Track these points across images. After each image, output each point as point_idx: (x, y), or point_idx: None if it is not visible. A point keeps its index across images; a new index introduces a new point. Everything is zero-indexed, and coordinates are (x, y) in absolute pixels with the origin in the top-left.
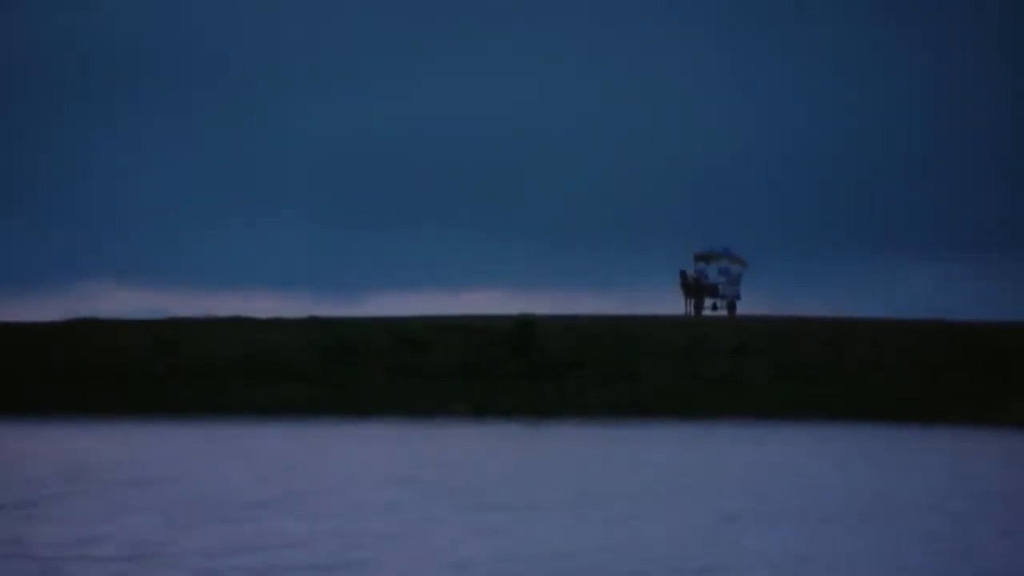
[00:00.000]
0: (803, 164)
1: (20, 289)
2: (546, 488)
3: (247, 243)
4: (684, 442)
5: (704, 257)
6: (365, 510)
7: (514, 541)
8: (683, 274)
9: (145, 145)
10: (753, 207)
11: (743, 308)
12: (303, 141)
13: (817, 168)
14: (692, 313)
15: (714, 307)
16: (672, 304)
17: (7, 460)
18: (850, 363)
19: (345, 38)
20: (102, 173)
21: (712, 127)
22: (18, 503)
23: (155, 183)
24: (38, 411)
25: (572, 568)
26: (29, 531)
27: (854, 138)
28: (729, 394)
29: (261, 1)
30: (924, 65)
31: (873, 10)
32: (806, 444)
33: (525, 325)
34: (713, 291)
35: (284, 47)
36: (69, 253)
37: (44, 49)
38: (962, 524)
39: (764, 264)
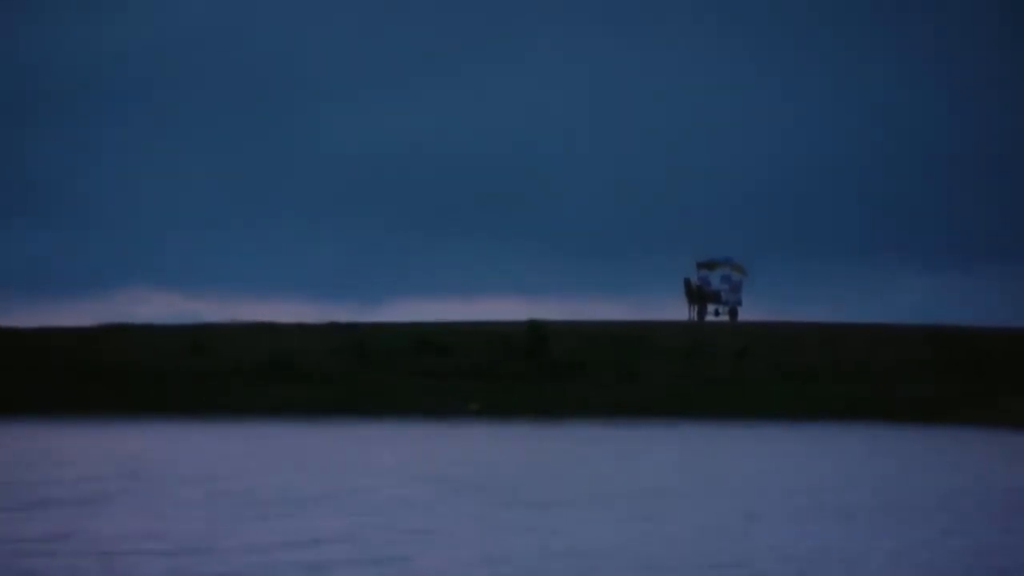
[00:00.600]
0: (802, 177)
1: (61, 295)
2: (569, 485)
3: (274, 252)
4: (694, 441)
5: (707, 265)
6: (402, 507)
7: (547, 537)
8: (687, 281)
9: (180, 158)
10: (754, 217)
11: (744, 313)
12: (329, 154)
13: (815, 181)
14: (695, 318)
15: (716, 313)
16: (676, 310)
17: (58, 458)
18: (846, 365)
19: (367, 53)
20: (139, 185)
21: (715, 141)
22: (76, 499)
23: (189, 195)
24: (76, 411)
25: (604, 563)
26: (88, 526)
27: (850, 153)
28: (730, 395)
29: (288, 18)
30: (919, 78)
31: (868, 21)
32: (810, 443)
33: (536, 329)
34: (715, 297)
35: (310, 61)
36: (108, 261)
37: (84, 64)
38: (974, 521)
39: (764, 272)
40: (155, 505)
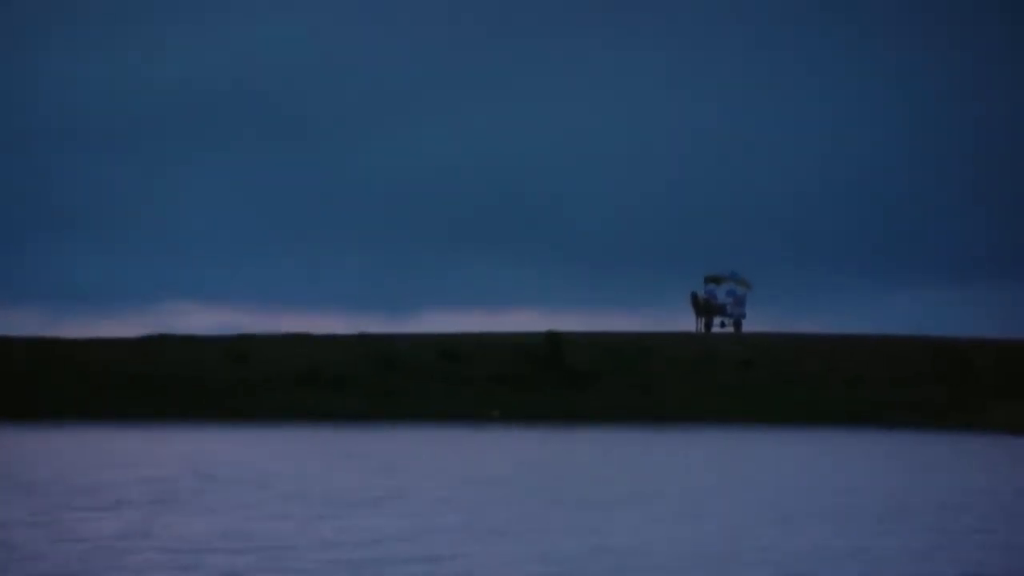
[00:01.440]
0: (805, 196)
1: (111, 308)
2: (609, 486)
3: (309, 268)
4: (715, 445)
5: (714, 280)
6: (453, 507)
7: (596, 535)
8: (694, 295)
9: (223, 182)
10: (759, 234)
11: (749, 325)
12: (360, 178)
13: (817, 200)
14: (703, 330)
15: (722, 324)
16: (685, 322)
17: (122, 462)
18: (845, 375)
19: (397, 84)
20: (184, 205)
21: (722, 162)
22: (149, 500)
23: (230, 216)
24: (125, 417)
25: (652, 560)
26: (165, 525)
27: (850, 174)
28: (735, 402)
29: (322, 51)
30: (918, 103)
31: (870, 45)
32: (820, 448)
33: (554, 340)
34: (721, 310)
35: (342, 93)
36: (155, 276)
37: (139, 96)
38: (992, 520)
39: (768, 286)
40: (227, 505)
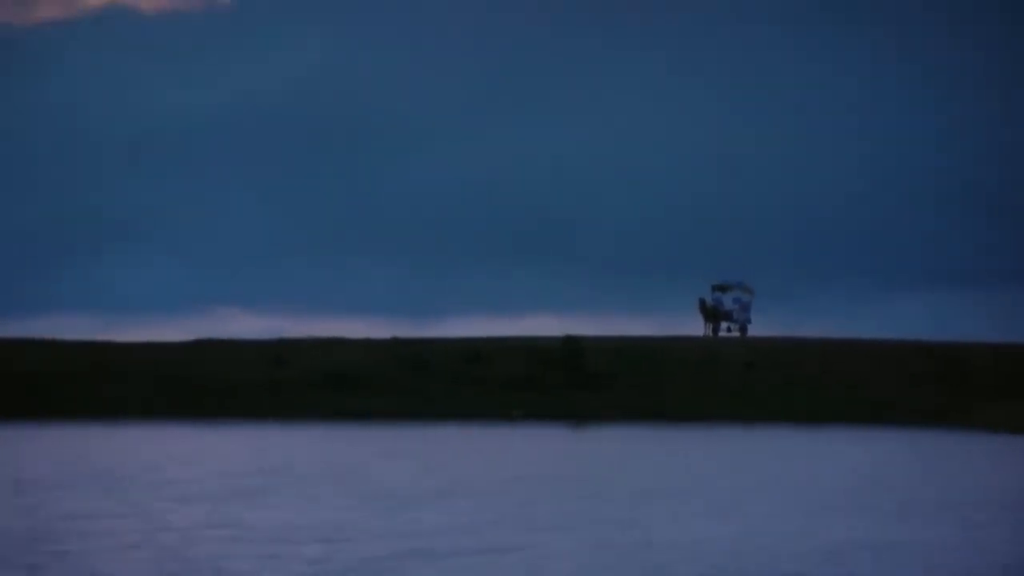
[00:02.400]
0: (807, 209)
1: (164, 314)
2: (643, 482)
3: (344, 277)
4: (727, 444)
5: (720, 288)
6: (508, 501)
7: (642, 528)
8: (702, 302)
9: (265, 196)
10: (763, 246)
11: (755, 330)
12: (392, 192)
13: (819, 213)
14: (710, 335)
15: (728, 330)
16: (694, 327)
17: (194, 457)
18: (844, 377)
19: (427, 107)
20: (228, 219)
21: (728, 179)
22: (225, 493)
23: (271, 227)
24: (173, 416)
25: (703, 550)
26: (245, 517)
27: (851, 189)
28: (741, 402)
29: (359, 77)
30: (916, 121)
31: (872, 69)
32: (826, 446)
33: (571, 344)
34: (728, 316)
35: (376, 115)
36: (201, 285)
37: (185, 117)
38: (1008, 513)
39: (771, 293)
40: (299, 498)
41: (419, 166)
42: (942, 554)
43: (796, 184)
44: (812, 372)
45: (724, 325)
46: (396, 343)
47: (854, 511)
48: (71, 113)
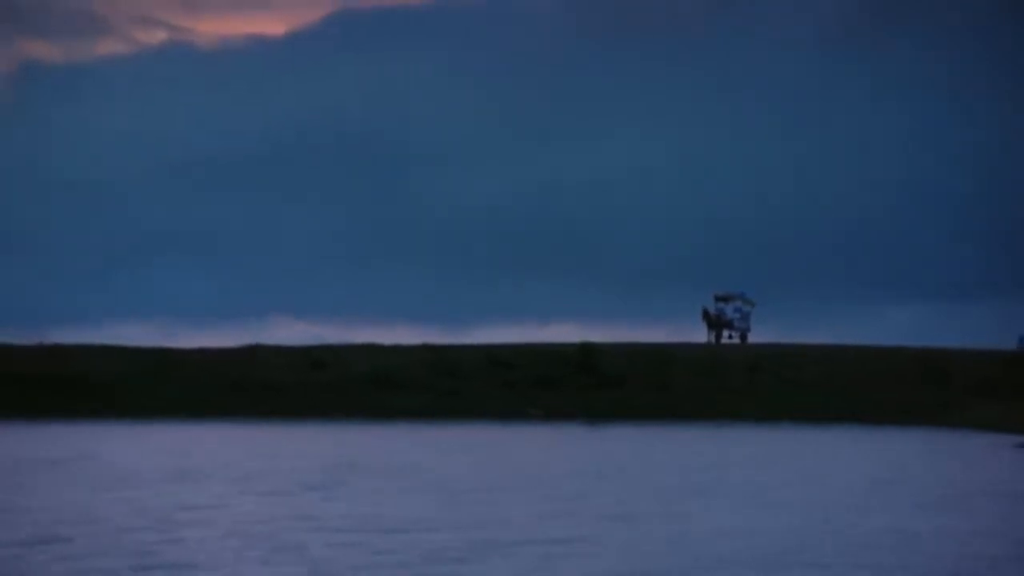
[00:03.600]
0: (805, 225)
1: (219, 321)
2: (684, 478)
3: (380, 288)
4: (742, 441)
5: (723, 298)
6: (566, 495)
7: (701, 520)
8: (706, 311)
9: (310, 214)
10: (765, 261)
11: (757, 336)
12: (424, 211)
13: (815, 232)
14: (713, 342)
15: (730, 337)
16: (699, 334)
17: (264, 454)
18: (839, 379)
19: (456, 131)
20: (279, 235)
21: (731, 202)
22: (302, 487)
23: (316, 243)
24: (227, 414)
25: (759, 540)
26: (322, 508)
27: (845, 211)
28: (744, 403)
29: (396, 106)
30: (905, 148)
31: (867, 96)
32: (830, 443)
33: (587, 349)
34: (730, 325)
35: (412, 139)
36: (252, 295)
37: (239, 142)
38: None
39: (773, 303)
40: (367, 491)
41: (450, 187)
42: (969, 541)
43: (795, 206)
44: (810, 376)
45: (726, 333)
46: (427, 348)
47: (889, 503)
48: (137, 140)
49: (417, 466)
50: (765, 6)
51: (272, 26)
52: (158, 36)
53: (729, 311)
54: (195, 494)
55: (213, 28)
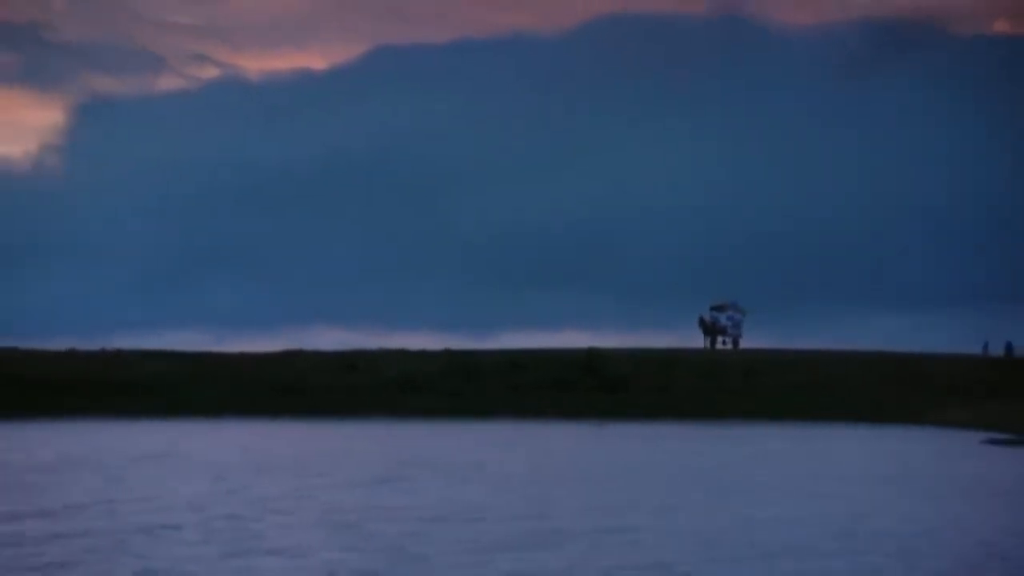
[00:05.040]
0: (792, 244)
1: (262, 329)
2: (716, 474)
3: (407, 299)
4: (745, 439)
5: (718, 308)
6: (610, 489)
7: (740, 510)
8: (702, 319)
9: (344, 230)
10: (758, 274)
11: (751, 342)
12: (449, 228)
13: (803, 247)
14: (709, 347)
15: (723, 343)
16: (698, 340)
17: (325, 450)
18: (827, 382)
19: (479, 156)
20: (315, 250)
21: (727, 220)
22: (371, 480)
23: (350, 258)
24: (268, 414)
25: (799, 531)
26: (396, 500)
27: (830, 228)
28: (740, 403)
29: (422, 134)
30: (891, 166)
31: (847, 121)
32: (826, 441)
33: (594, 354)
34: (723, 331)
35: (438, 162)
36: (291, 304)
37: (279, 165)
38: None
39: (767, 311)
40: (433, 484)
41: (474, 208)
42: (979, 529)
43: (787, 226)
44: (800, 378)
45: (720, 339)
46: (449, 353)
47: (919, 496)
48: (191, 165)
49: (469, 461)
50: (769, 44)
51: (314, 61)
52: (210, 72)
53: (723, 319)
54: (276, 486)
55: (259, 64)
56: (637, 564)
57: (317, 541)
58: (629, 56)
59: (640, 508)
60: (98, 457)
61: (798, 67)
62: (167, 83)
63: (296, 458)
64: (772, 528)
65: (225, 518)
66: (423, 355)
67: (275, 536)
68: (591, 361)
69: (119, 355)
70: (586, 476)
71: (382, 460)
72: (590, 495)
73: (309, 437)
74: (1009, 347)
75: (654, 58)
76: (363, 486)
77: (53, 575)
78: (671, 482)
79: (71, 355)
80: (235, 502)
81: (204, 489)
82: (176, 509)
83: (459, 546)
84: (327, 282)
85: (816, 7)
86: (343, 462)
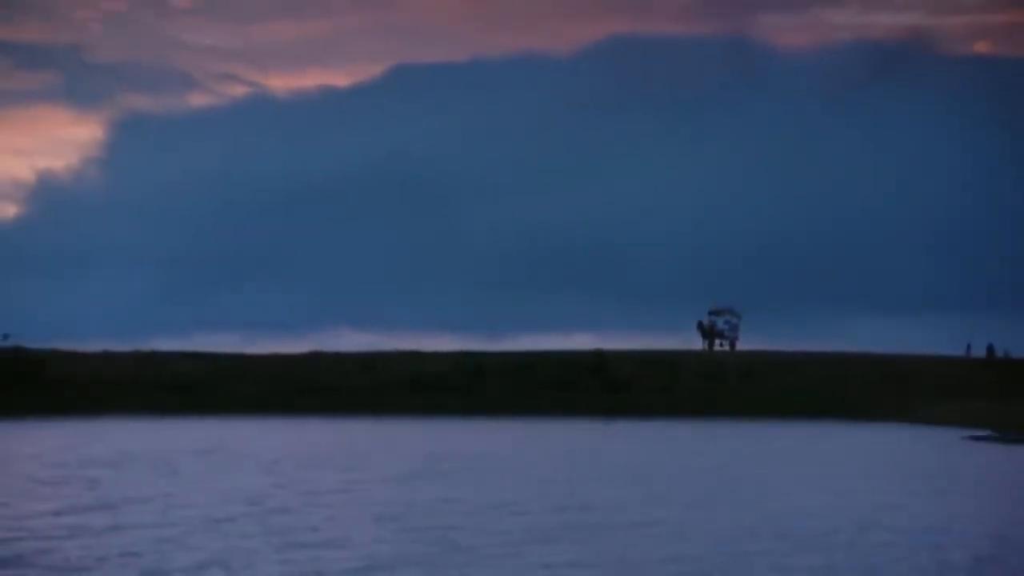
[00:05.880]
0: (786, 255)
1: (288, 331)
2: (736, 471)
3: (422, 303)
4: (747, 437)
5: (715, 313)
6: (645, 484)
7: (762, 509)
8: (700, 324)
9: (367, 241)
10: (755, 280)
11: (745, 345)
12: (461, 237)
13: (796, 257)
14: (707, 349)
15: (720, 345)
16: (699, 343)
17: (360, 446)
18: (818, 382)
19: (492, 167)
20: (339, 258)
21: (726, 231)
22: (408, 475)
23: (370, 265)
24: (293, 412)
25: (827, 523)
26: (444, 493)
27: (820, 239)
28: (737, 401)
29: (442, 147)
30: (879, 178)
31: (833, 117)
32: (822, 437)
33: (598, 356)
34: (720, 335)
35: (454, 176)
36: (315, 309)
37: (304, 178)
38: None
39: (763, 315)
40: (474, 479)
41: (486, 218)
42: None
43: (780, 237)
44: (795, 378)
45: (718, 342)
46: (462, 354)
47: (906, 490)
48: (221, 178)
49: (491, 456)
50: (769, 63)
51: (338, 79)
52: (238, 90)
53: (720, 323)
54: (321, 480)
55: (285, 82)
56: (680, 555)
57: (367, 533)
58: (635, 75)
59: (668, 502)
60: (150, 453)
61: (795, 85)
62: (198, 100)
63: (334, 454)
64: (799, 520)
65: (278, 511)
66: (436, 356)
67: (327, 528)
68: (597, 362)
69: (153, 356)
70: (608, 471)
71: (412, 456)
72: (618, 490)
73: (339, 433)
74: (990, 349)
75: (660, 76)
76: (400, 481)
77: (122, 563)
78: (690, 477)
79: (106, 356)
80: (285, 495)
81: (255, 483)
82: (231, 502)
83: (503, 537)
84: (348, 287)
85: (813, 30)
86: (378, 458)
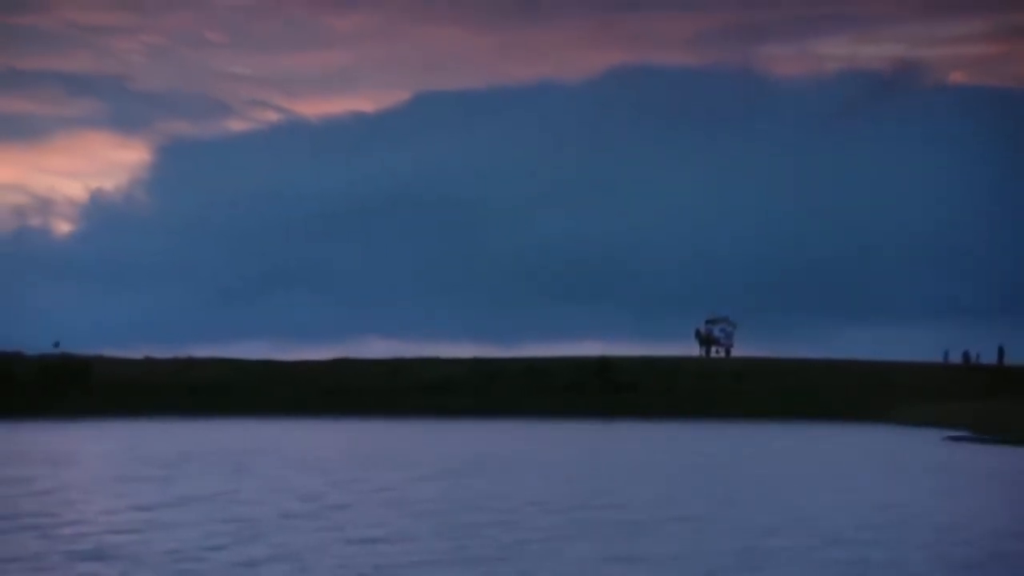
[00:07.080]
0: (780, 266)
1: (314, 339)
2: (752, 471)
3: (440, 313)
4: (747, 437)
5: (712, 321)
6: (674, 483)
7: (790, 506)
8: (698, 331)
9: (392, 254)
10: (750, 290)
11: (744, 351)
12: (478, 252)
13: (789, 269)
14: (704, 355)
15: (716, 351)
16: (695, 349)
17: (395, 448)
18: (809, 385)
19: (509, 186)
20: (365, 270)
21: (725, 244)
22: (447, 473)
23: (394, 277)
24: (322, 415)
25: (849, 521)
26: (490, 490)
27: (812, 251)
28: (733, 403)
29: (460, 170)
30: (870, 193)
31: (825, 140)
32: (818, 438)
33: (603, 361)
34: (716, 342)
35: (472, 195)
36: (343, 317)
37: (335, 196)
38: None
39: (756, 324)
40: (505, 477)
41: (499, 234)
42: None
43: (774, 249)
44: (785, 382)
45: (714, 348)
46: (477, 360)
47: (907, 487)
48: (255, 197)
49: (519, 456)
50: (767, 91)
51: (364, 105)
52: (271, 116)
53: (716, 331)
54: (374, 479)
55: (315, 108)
56: (728, 549)
57: (422, 528)
58: (644, 102)
59: (702, 499)
60: (207, 452)
61: (791, 110)
62: (235, 126)
63: (373, 453)
64: (824, 516)
65: (337, 507)
66: (454, 362)
67: (384, 523)
68: (602, 367)
69: (190, 362)
70: (633, 470)
71: (446, 456)
72: (649, 487)
73: (370, 433)
74: (966, 356)
75: (666, 104)
76: (442, 479)
77: (200, 556)
78: (710, 475)
79: (148, 362)
80: (343, 493)
81: (314, 481)
82: (296, 499)
83: (552, 532)
84: (374, 299)
85: (808, 61)
86: (417, 457)
